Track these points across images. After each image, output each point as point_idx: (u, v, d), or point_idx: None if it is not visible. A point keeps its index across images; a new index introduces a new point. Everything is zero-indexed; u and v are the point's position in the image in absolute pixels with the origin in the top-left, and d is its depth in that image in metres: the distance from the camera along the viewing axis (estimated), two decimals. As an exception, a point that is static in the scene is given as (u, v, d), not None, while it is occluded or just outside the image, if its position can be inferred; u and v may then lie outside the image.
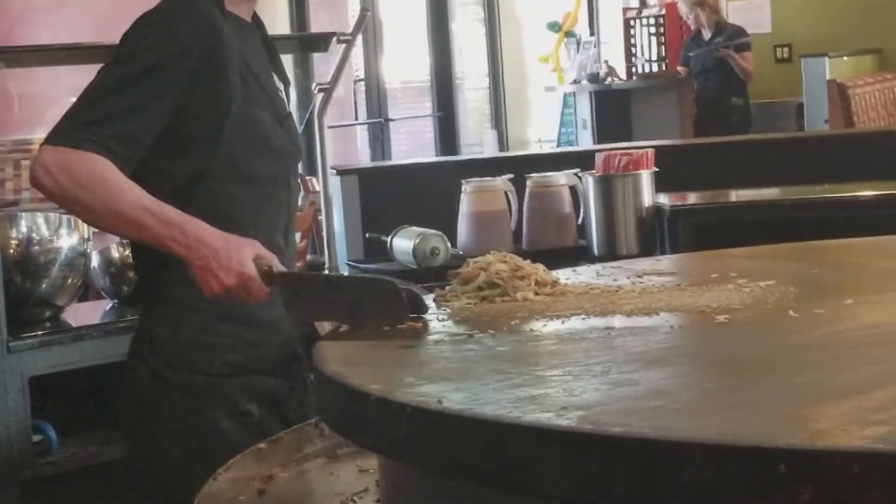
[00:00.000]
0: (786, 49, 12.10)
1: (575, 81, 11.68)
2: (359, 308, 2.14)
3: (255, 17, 2.77)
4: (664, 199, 4.62)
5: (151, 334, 2.66)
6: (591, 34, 12.42)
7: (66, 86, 7.11)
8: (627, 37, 11.96)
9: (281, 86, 2.78)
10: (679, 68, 11.08)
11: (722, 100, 10.55)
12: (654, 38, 11.92)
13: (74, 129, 2.45)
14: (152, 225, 2.42)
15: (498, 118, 12.03)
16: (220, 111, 2.56)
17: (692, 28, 11.02)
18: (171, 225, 2.42)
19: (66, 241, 3.71)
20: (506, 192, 4.74)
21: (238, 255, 2.39)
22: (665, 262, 2.84)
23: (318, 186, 4.75)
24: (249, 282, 2.38)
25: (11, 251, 3.60)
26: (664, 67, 11.75)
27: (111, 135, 2.44)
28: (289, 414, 2.69)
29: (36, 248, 3.65)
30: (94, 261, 3.93)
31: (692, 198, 4.78)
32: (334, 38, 4.78)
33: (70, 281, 3.73)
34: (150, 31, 2.55)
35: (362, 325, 2.03)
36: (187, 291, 2.53)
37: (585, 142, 11.25)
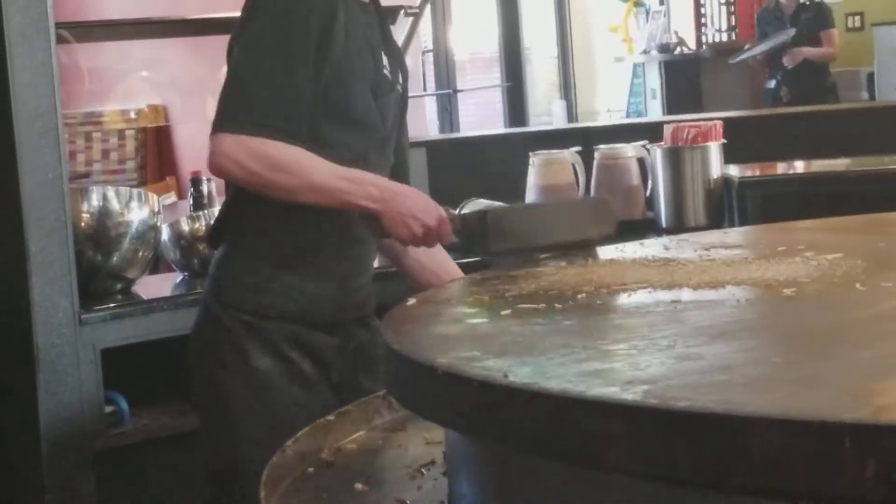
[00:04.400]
0: (857, 17, 11.99)
1: (644, 51, 11.64)
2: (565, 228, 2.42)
3: (376, 1, 2.88)
4: (733, 171, 4.59)
5: (213, 274, 2.80)
6: (661, 3, 12.35)
7: (136, 59, 7.16)
8: (697, 6, 11.89)
9: (387, 66, 2.82)
10: (751, 54, 10.45)
11: (815, 80, 9.93)
12: (724, 8, 11.85)
13: (241, 113, 2.58)
14: (350, 189, 2.58)
15: (567, 88, 11.99)
16: (316, 72, 2.64)
17: None
18: (366, 184, 2.59)
19: (137, 214, 3.74)
20: (573, 165, 4.73)
21: (431, 201, 2.62)
22: (732, 234, 2.83)
23: (386, 159, 4.77)
24: (445, 224, 2.58)
25: (83, 224, 3.63)
26: (734, 37, 11.66)
27: (277, 114, 2.59)
28: (333, 375, 2.78)
29: (107, 221, 3.68)
30: (165, 234, 3.96)
31: (761, 170, 4.75)
32: (402, 11, 4.78)
33: (141, 254, 3.76)
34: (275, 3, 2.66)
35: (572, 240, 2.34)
36: (254, 239, 2.72)
37: (654, 111, 11.22)
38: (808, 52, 9.92)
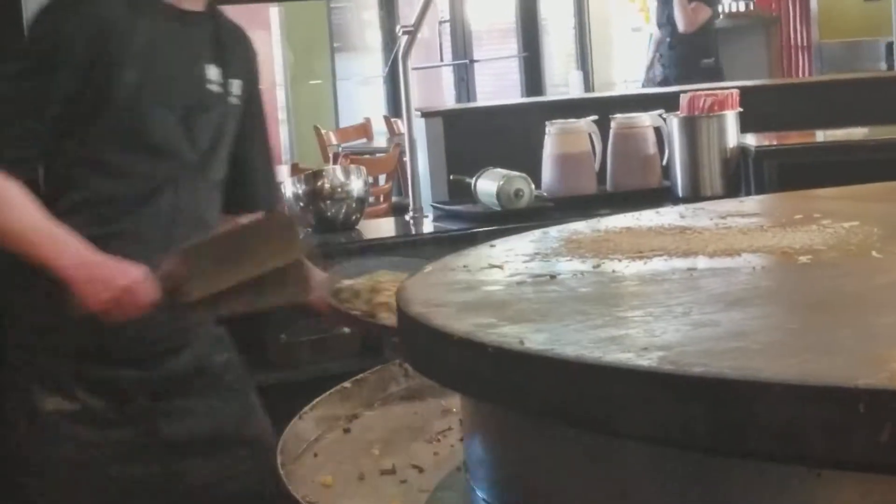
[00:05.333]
0: (876, -13, 11.93)
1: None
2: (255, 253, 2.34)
3: (214, 7, 2.69)
4: (749, 140, 4.58)
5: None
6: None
7: None
8: (713, -25, 11.83)
9: (215, 79, 2.64)
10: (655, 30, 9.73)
11: (690, 61, 9.24)
12: (740, -24, 11.79)
13: None
14: (42, 244, 2.39)
15: (583, 59, 11.97)
16: (100, 98, 2.47)
17: None
18: (64, 244, 2.39)
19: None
20: (590, 134, 4.73)
21: (121, 266, 2.38)
22: (748, 202, 2.83)
23: (403, 129, 4.77)
24: (142, 285, 2.37)
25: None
26: (751, 7, 11.62)
27: (2, 141, 2.44)
28: (131, 409, 2.57)
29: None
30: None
31: (778, 139, 4.74)
32: (418, -19, 4.77)
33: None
34: (33, 26, 2.53)
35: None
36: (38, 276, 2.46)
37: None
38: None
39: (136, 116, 2.50)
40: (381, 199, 7.89)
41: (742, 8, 11.74)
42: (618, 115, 4.80)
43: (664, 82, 9.08)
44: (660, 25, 9.65)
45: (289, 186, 4.27)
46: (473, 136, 5.12)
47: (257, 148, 2.81)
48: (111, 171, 2.51)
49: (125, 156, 2.52)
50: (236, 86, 2.68)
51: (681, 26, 9.27)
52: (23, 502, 2.58)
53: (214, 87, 2.63)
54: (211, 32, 2.66)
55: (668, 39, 9.47)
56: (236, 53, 2.72)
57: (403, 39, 4.51)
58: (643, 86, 9.67)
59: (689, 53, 9.29)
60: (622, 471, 1.41)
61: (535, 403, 1.40)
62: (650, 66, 9.74)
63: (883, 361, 1.24)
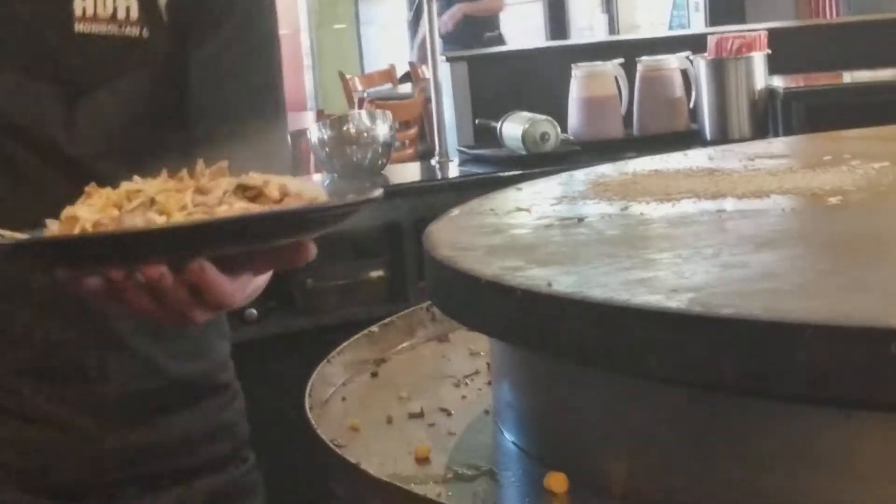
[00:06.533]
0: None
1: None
2: None
3: None
4: (778, 82, 4.55)
5: None
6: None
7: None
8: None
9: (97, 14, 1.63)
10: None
11: (469, 34, 8.62)
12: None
13: None
14: None
15: (608, 1, 11.90)
16: None
17: None
18: None
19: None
20: (616, 77, 4.71)
21: None
22: (777, 144, 2.81)
23: (429, 74, 4.76)
24: None
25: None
26: (778, -53, 11.52)
27: None
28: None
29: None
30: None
31: (806, 80, 4.71)
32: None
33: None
34: None
35: None
36: None
37: (697, 25, 11.12)
38: (470, 7, 8.89)
39: None
40: (407, 143, 7.89)
41: (769, -51, 11.63)
42: (644, 58, 4.78)
43: None
44: None
45: (314, 132, 4.26)
46: (499, 80, 5.11)
47: (211, 95, 1.76)
48: None
49: None
50: (144, 27, 1.69)
51: None
52: None
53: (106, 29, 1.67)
54: None
55: None
56: None
57: (428, -17, 4.50)
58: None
59: None
60: (650, 414, 1.41)
61: (563, 346, 1.39)
62: None
63: (915, 302, 1.23)
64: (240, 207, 1.43)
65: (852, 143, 2.48)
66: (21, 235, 1.44)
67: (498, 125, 4.56)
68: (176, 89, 1.70)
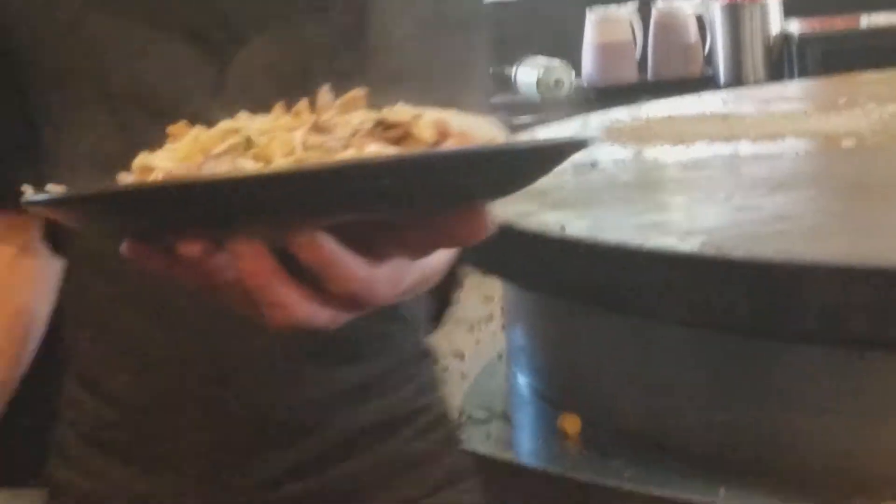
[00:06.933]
0: None
1: None
2: None
3: None
4: (793, 26, 4.53)
5: None
6: None
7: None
8: None
9: None
10: None
11: None
12: None
13: None
14: None
15: (623, -53, 11.85)
16: None
17: None
18: None
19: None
20: (631, 22, 4.68)
21: None
22: (791, 87, 2.80)
23: (442, 19, 4.74)
24: None
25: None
26: None
27: None
28: None
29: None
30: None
31: (821, 24, 4.68)
32: None
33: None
34: None
35: None
36: None
37: (713, -31, 11.04)
38: None
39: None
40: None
41: None
42: (659, 3, 4.75)
43: None
44: None
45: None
46: (512, 25, 5.08)
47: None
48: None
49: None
50: None
51: None
52: None
53: None
54: None
55: None
56: None
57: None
58: None
59: None
60: (664, 355, 1.42)
61: (576, 289, 1.40)
62: None
63: (927, 243, 1.23)
64: (372, 152, 0.88)
65: (867, 86, 2.47)
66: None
67: (512, 70, 4.54)
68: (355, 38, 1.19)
